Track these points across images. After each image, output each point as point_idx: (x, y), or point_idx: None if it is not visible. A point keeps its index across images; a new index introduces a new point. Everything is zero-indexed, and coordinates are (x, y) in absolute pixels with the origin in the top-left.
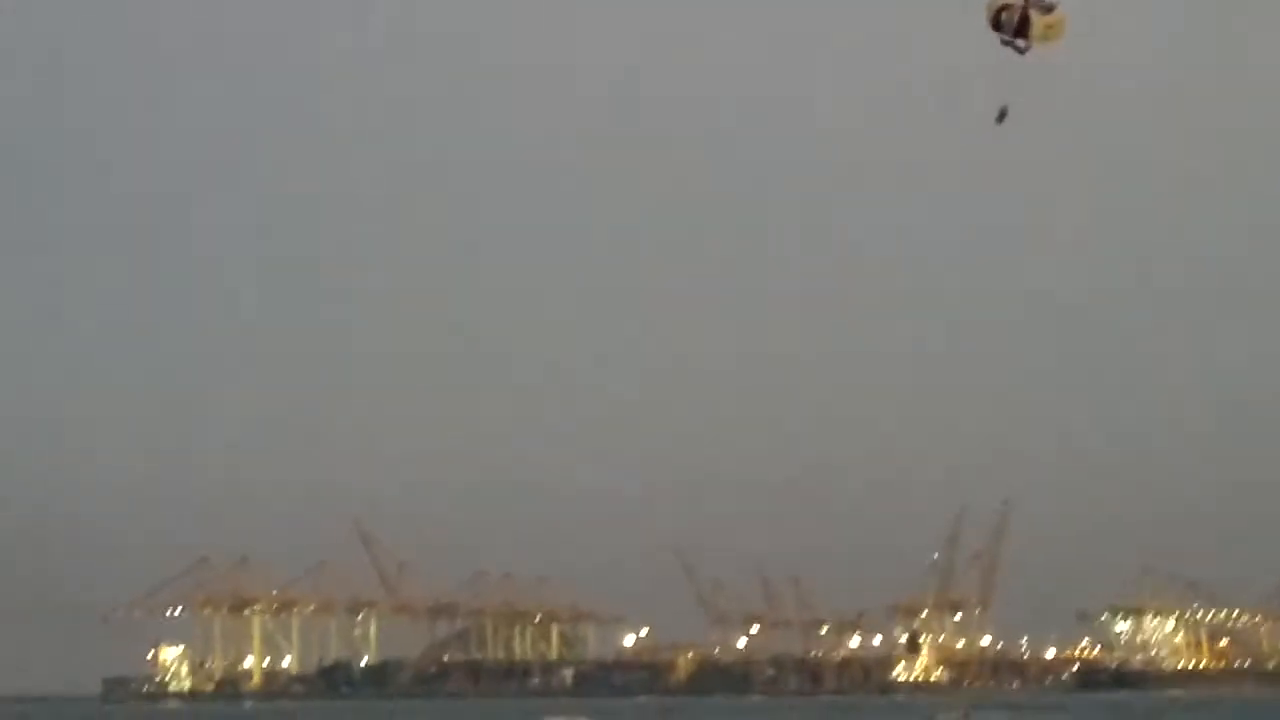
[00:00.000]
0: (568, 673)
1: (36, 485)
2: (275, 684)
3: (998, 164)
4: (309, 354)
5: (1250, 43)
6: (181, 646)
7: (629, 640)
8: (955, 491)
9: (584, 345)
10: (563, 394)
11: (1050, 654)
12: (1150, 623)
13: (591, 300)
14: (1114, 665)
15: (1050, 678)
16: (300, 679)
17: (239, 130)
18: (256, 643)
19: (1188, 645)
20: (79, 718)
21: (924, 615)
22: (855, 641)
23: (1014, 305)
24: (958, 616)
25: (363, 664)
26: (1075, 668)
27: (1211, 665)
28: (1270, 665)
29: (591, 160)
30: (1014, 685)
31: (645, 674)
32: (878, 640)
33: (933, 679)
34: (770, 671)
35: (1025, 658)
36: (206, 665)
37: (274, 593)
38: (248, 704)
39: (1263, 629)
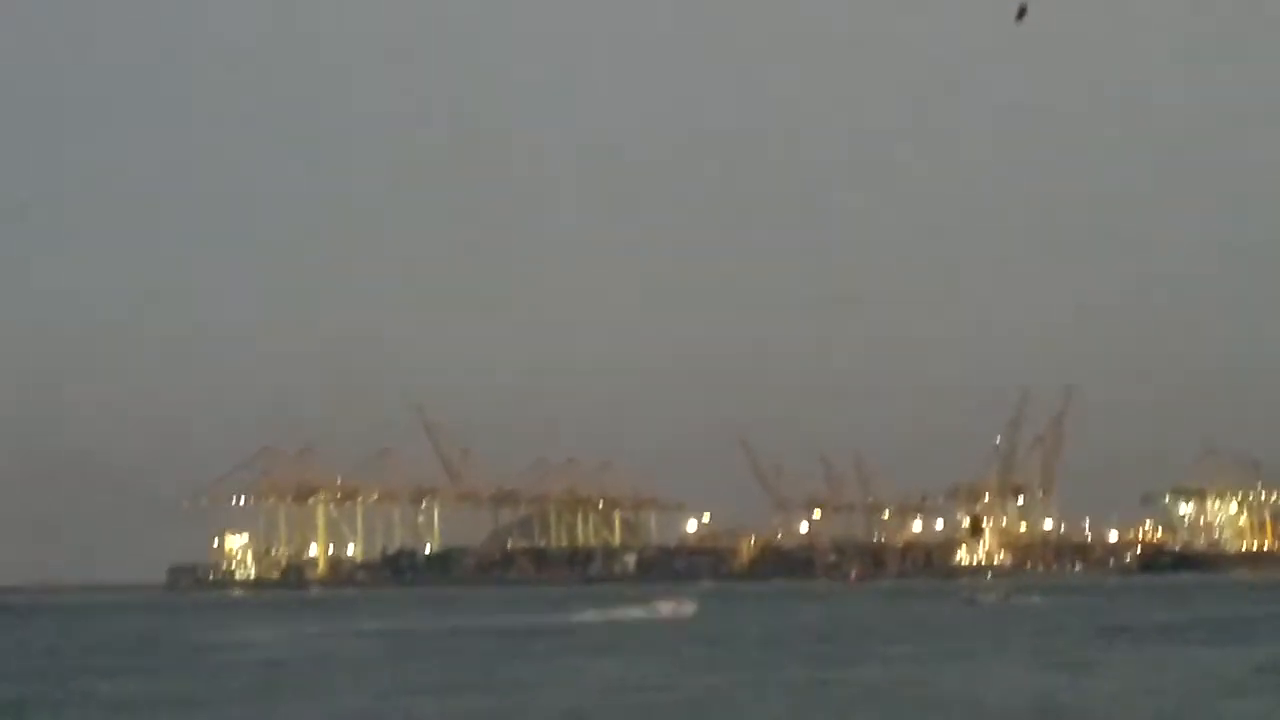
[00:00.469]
0: (630, 559)
1: (105, 377)
2: (340, 572)
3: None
4: (373, 243)
5: None
6: (246, 535)
7: (691, 526)
8: (1018, 374)
9: (640, 227)
10: (623, 277)
11: (1113, 537)
12: (1213, 505)
13: (650, 181)
14: (1177, 548)
15: (1113, 561)
16: (364, 566)
17: None
18: (321, 531)
19: (1251, 527)
20: (145, 606)
21: (986, 499)
22: (918, 526)
23: (1079, 192)
24: (1020, 500)
25: (426, 552)
26: (1138, 550)
27: (1275, 547)
28: None
29: None
30: (1076, 568)
31: (707, 559)
32: (940, 525)
33: (995, 563)
34: (832, 556)
35: (1088, 541)
36: (272, 553)
37: (338, 481)
38: (313, 591)
39: None
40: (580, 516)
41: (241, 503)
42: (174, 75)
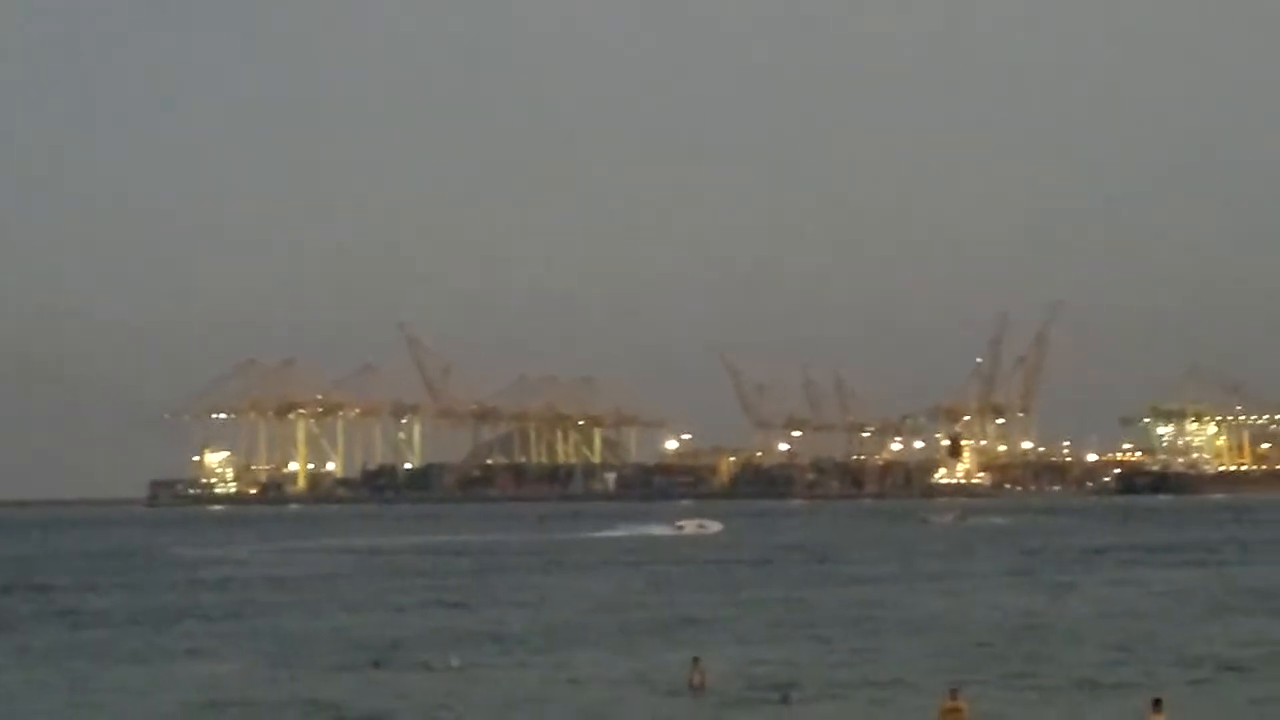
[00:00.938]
0: (610, 476)
1: (82, 291)
2: (320, 488)
3: None
4: (356, 160)
5: None
6: (227, 450)
7: (671, 444)
8: (1000, 294)
9: (613, 143)
10: (599, 196)
11: (1092, 458)
12: (1192, 426)
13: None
14: (1156, 469)
15: (1091, 481)
16: (345, 483)
17: None
18: (301, 446)
19: (1230, 449)
20: (126, 520)
21: (966, 419)
22: (897, 445)
23: (1063, 95)
24: (1000, 420)
25: (406, 468)
26: (1117, 471)
27: (1253, 468)
28: None
29: None
30: (1055, 489)
31: (687, 478)
32: (919, 444)
33: (974, 482)
34: (811, 475)
35: (1067, 461)
36: (252, 468)
37: (319, 396)
38: (292, 507)
39: None
40: (560, 434)
41: (222, 418)
42: None
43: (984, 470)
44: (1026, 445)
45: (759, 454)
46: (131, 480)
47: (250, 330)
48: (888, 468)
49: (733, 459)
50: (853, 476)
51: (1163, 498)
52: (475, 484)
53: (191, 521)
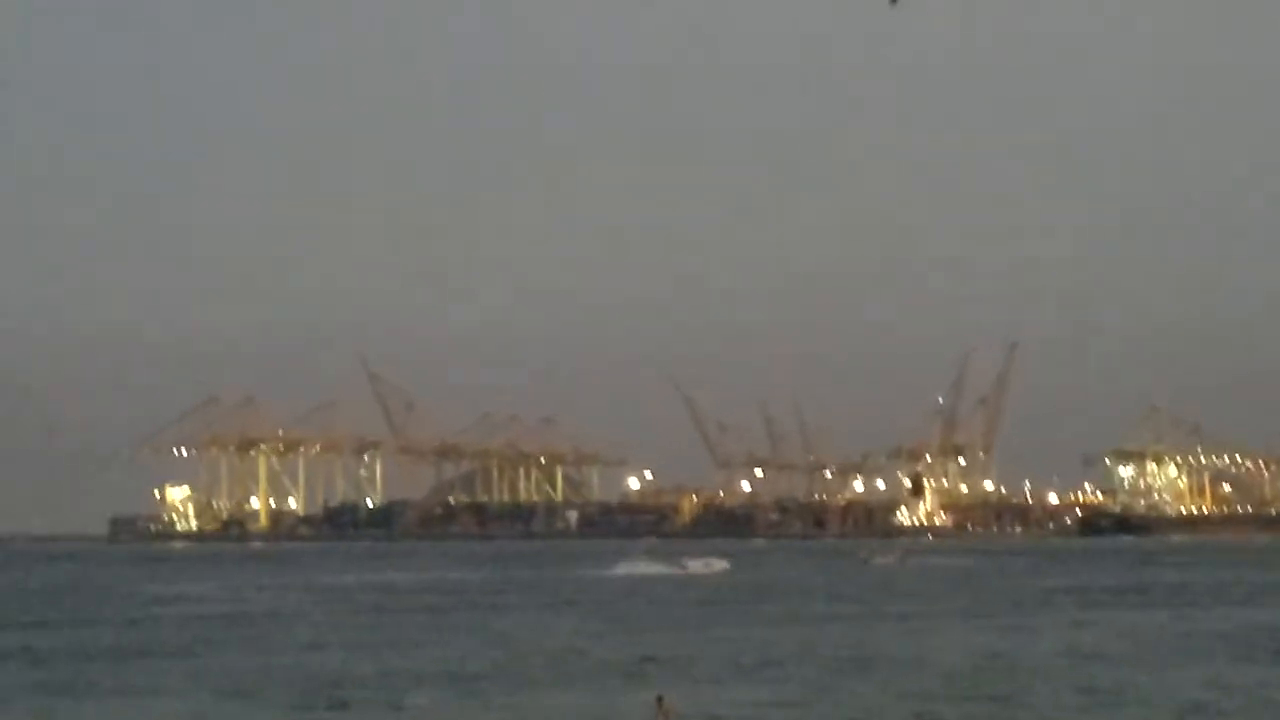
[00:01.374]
0: (572, 515)
1: (42, 326)
2: (281, 525)
3: None
4: (317, 193)
5: None
6: (188, 487)
7: (634, 483)
8: (961, 335)
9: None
10: (566, 228)
11: (1053, 499)
12: (1153, 468)
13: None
14: (1117, 510)
15: (1053, 523)
16: (306, 520)
17: None
18: (262, 483)
19: (1190, 491)
20: (86, 557)
21: (928, 459)
22: (859, 485)
23: (1029, 144)
24: (961, 461)
25: (368, 505)
26: (1078, 513)
27: (1214, 510)
28: (1273, 511)
29: None
30: (1016, 530)
31: (650, 516)
32: (881, 484)
33: (936, 523)
34: (774, 515)
35: (1028, 503)
36: (213, 505)
37: (280, 433)
38: (254, 544)
39: (1265, 474)
40: (523, 472)
41: (183, 454)
42: None
43: (945, 510)
44: (988, 486)
45: (721, 493)
46: (92, 517)
47: (212, 365)
48: (849, 508)
49: (694, 498)
50: (815, 516)
51: (1125, 539)
52: (437, 522)
53: (152, 559)
